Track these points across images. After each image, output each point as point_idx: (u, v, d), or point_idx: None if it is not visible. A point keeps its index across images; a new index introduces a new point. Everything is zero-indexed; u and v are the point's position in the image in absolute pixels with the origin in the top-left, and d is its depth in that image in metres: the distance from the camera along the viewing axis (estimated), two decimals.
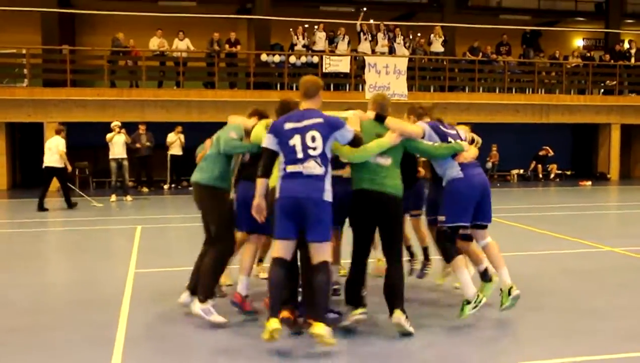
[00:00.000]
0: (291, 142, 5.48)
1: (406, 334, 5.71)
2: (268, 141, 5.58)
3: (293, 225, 5.46)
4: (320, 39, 21.66)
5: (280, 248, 5.53)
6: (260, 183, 5.61)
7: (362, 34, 21.95)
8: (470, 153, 6.36)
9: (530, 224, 12.74)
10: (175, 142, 20.24)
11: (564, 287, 7.78)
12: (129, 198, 17.34)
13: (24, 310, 6.79)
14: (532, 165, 24.62)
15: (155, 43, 20.97)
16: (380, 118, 6.02)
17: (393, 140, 5.86)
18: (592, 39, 29.14)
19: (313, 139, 5.47)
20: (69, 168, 16.21)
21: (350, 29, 22.16)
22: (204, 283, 6.16)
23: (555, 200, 19.11)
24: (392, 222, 5.92)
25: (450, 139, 6.29)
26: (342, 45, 21.88)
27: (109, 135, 17.39)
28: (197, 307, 6.06)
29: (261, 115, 6.64)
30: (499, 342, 5.87)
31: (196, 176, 6.43)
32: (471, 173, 6.23)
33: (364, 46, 21.98)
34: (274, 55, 21.65)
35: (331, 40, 21.98)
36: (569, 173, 25.65)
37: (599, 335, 5.92)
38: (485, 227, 6.48)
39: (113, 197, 17.28)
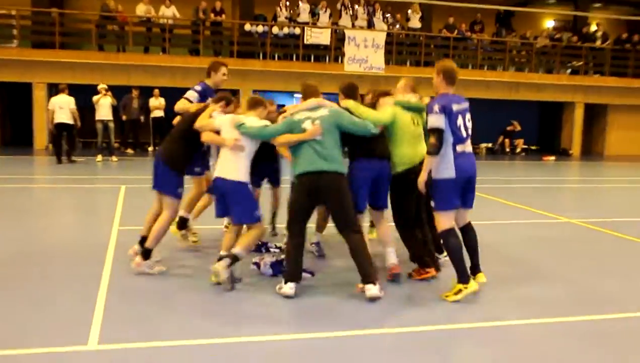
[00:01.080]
0: (458, 122, 5.81)
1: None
2: (440, 121, 5.71)
3: (459, 197, 5.86)
4: (304, 10, 21.51)
5: (450, 219, 5.88)
6: (431, 161, 5.76)
7: (343, 7, 21.85)
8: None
9: (496, 195, 12.87)
10: (156, 106, 20.24)
11: (523, 254, 7.92)
12: (114, 158, 17.27)
13: (9, 262, 6.79)
14: (500, 140, 24.83)
15: (142, 9, 20.70)
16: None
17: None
18: (561, 20, 29.18)
19: (469, 120, 6.00)
20: (79, 124, 16.60)
21: (331, 3, 22.01)
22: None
23: (520, 173, 19.31)
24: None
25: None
26: (324, 18, 21.76)
27: (95, 97, 17.25)
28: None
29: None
30: (450, 304, 5.83)
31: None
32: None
33: (344, 20, 21.89)
34: (257, 25, 21.48)
35: (313, 13, 21.84)
36: (534, 148, 25.93)
37: (548, 299, 6.05)
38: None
39: (99, 157, 17.20)
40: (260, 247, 7.29)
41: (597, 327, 5.39)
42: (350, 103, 6.32)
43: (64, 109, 16.08)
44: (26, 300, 5.55)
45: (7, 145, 21.33)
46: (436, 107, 5.69)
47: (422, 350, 4.75)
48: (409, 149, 6.33)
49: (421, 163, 5.97)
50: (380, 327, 5.14)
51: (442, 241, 6.18)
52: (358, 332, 5.01)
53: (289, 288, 5.75)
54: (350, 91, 6.51)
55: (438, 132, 5.68)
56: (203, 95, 7.15)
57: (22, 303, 5.47)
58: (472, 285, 5.82)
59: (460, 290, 5.79)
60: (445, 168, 5.76)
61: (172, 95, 19.56)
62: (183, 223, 7.41)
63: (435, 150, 5.68)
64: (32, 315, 5.18)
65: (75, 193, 12.15)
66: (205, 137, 6.27)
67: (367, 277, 5.73)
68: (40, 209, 10.74)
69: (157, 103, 20.27)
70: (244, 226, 6.26)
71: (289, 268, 5.82)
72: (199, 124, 6.29)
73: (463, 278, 5.81)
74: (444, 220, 5.86)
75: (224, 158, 6.13)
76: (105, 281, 6.12)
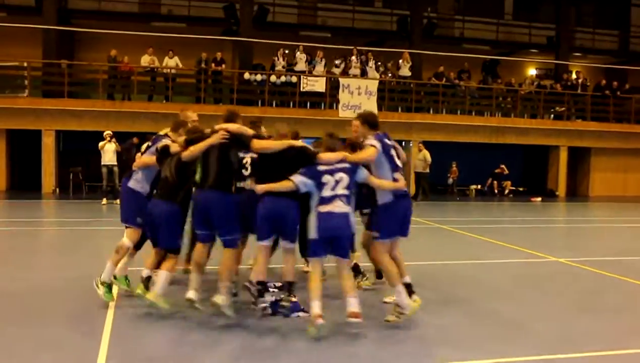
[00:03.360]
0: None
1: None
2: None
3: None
4: (301, 60, 21.76)
5: None
6: None
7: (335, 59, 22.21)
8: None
9: (485, 235, 12.85)
10: None
11: (510, 292, 7.89)
12: (118, 201, 17.21)
13: (17, 302, 6.73)
14: (489, 182, 24.93)
15: (146, 60, 20.94)
16: None
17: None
18: (543, 68, 29.60)
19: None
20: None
21: (326, 53, 22.29)
22: None
23: (509, 213, 19.34)
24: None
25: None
26: (319, 67, 22.01)
27: (101, 143, 17.32)
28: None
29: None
30: (439, 342, 5.76)
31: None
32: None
33: (339, 69, 22.16)
34: (256, 74, 21.73)
35: (310, 62, 22.10)
36: (521, 189, 25.99)
37: (533, 337, 5.96)
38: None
39: (104, 201, 17.18)
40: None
41: None
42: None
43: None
44: (35, 338, 5.50)
45: (16, 188, 21.32)
46: None
47: None
48: None
49: None
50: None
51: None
52: None
53: None
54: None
55: None
56: None
57: (32, 341, 5.42)
58: None
59: None
60: None
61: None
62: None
63: None
64: (40, 353, 5.13)
65: (82, 235, 12.11)
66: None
67: None
68: (50, 251, 10.71)
69: None
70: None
71: None
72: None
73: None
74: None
75: None
76: (110, 319, 6.07)
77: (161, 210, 6.31)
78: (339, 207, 5.84)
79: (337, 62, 22.19)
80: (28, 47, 21.94)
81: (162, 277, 6.28)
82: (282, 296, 6.58)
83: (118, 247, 6.74)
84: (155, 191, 6.68)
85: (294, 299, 6.57)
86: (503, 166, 24.73)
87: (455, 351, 5.47)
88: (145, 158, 6.86)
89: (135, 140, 19.63)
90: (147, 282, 6.47)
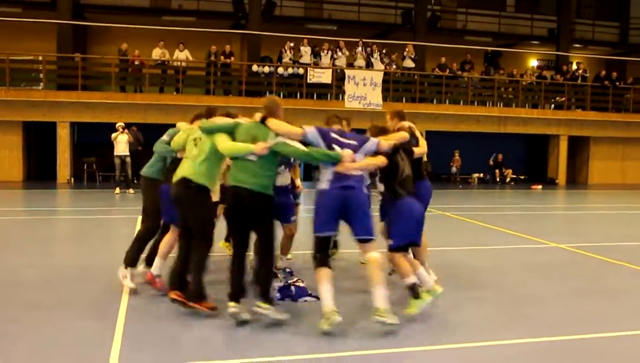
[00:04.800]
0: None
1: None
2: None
3: None
4: (306, 53, 21.68)
5: None
6: None
7: (339, 50, 22.09)
8: (361, 164, 5.64)
9: (487, 222, 12.82)
10: None
11: (513, 277, 7.87)
12: (131, 191, 17.27)
13: (37, 288, 6.77)
14: (491, 162, 24.75)
15: (157, 53, 20.92)
16: (263, 120, 5.73)
17: (252, 149, 5.52)
18: (544, 60, 29.41)
19: None
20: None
21: (332, 45, 22.21)
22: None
23: (510, 201, 19.27)
24: (257, 219, 5.61)
25: (334, 146, 5.59)
26: (325, 59, 21.92)
27: (113, 135, 17.31)
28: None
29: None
30: (445, 326, 5.76)
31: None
32: (335, 186, 5.50)
33: (344, 60, 22.07)
34: (264, 66, 21.67)
35: (316, 55, 22.02)
36: (522, 177, 25.90)
37: (537, 320, 5.96)
38: (364, 241, 5.59)
39: (117, 190, 17.21)
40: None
41: (585, 345, 5.33)
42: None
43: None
44: (51, 323, 5.51)
45: (33, 179, 21.39)
46: None
47: None
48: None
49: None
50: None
51: None
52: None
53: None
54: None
55: None
56: None
57: (48, 325, 5.44)
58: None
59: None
60: None
61: None
62: None
63: None
64: (55, 338, 5.15)
65: (96, 223, 12.15)
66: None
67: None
68: (64, 238, 10.74)
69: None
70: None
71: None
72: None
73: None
74: None
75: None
76: (124, 304, 6.08)
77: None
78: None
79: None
80: (43, 41, 21.93)
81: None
82: (290, 281, 6.58)
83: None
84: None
85: (301, 284, 6.57)
86: (499, 155, 24.69)
87: (456, 334, 5.47)
88: None
89: (134, 128, 19.58)
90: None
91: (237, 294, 5.60)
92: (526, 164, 27.30)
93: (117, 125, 17.46)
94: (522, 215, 14.96)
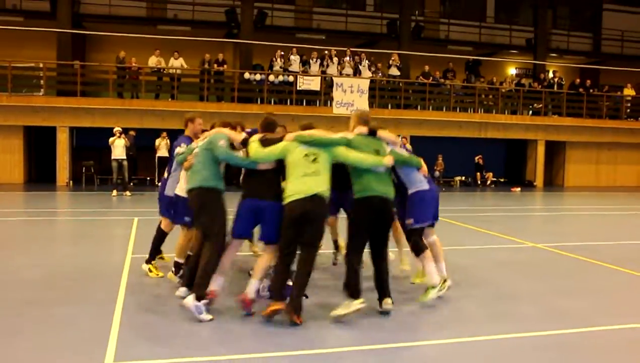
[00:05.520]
0: None
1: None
2: None
3: None
4: (295, 61, 21.70)
5: None
6: None
7: (329, 59, 22.11)
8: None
9: (468, 223, 12.89)
10: (161, 146, 19.75)
11: (493, 276, 7.90)
12: (128, 193, 17.20)
13: (37, 286, 6.73)
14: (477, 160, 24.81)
15: (153, 61, 20.88)
16: (373, 132, 6.10)
17: (383, 161, 5.87)
18: (523, 68, 29.58)
19: None
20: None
21: (321, 54, 22.23)
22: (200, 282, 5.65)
23: (490, 203, 19.35)
24: (389, 224, 6.03)
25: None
26: (314, 67, 21.94)
27: (111, 139, 17.24)
28: (190, 301, 5.55)
29: (229, 126, 6.37)
30: (431, 322, 5.83)
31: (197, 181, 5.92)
32: (432, 185, 6.48)
33: (333, 68, 22.09)
34: (255, 74, 21.67)
35: (305, 62, 22.03)
36: (502, 180, 26.01)
37: (517, 316, 6.00)
38: (434, 225, 6.70)
39: (114, 192, 17.13)
40: None
41: (562, 340, 5.36)
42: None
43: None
44: (51, 320, 5.49)
45: (33, 181, 21.25)
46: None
47: None
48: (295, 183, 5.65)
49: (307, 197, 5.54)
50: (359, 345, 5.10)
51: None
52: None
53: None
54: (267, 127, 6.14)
55: None
56: None
57: (48, 322, 5.42)
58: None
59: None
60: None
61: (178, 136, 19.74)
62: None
63: None
64: (55, 334, 5.13)
65: (94, 224, 12.08)
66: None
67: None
68: (64, 239, 10.68)
69: (163, 143, 19.76)
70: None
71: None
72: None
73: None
74: None
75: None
76: (120, 303, 6.06)
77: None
78: None
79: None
80: (43, 49, 21.85)
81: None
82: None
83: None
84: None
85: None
86: (480, 157, 24.79)
87: (438, 331, 5.49)
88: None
89: (131, 133, 19.45)
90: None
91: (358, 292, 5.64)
92: (506, 167, 27.42)
93: (114, 130, 17.40)
94: (502, 216, 15.01)
